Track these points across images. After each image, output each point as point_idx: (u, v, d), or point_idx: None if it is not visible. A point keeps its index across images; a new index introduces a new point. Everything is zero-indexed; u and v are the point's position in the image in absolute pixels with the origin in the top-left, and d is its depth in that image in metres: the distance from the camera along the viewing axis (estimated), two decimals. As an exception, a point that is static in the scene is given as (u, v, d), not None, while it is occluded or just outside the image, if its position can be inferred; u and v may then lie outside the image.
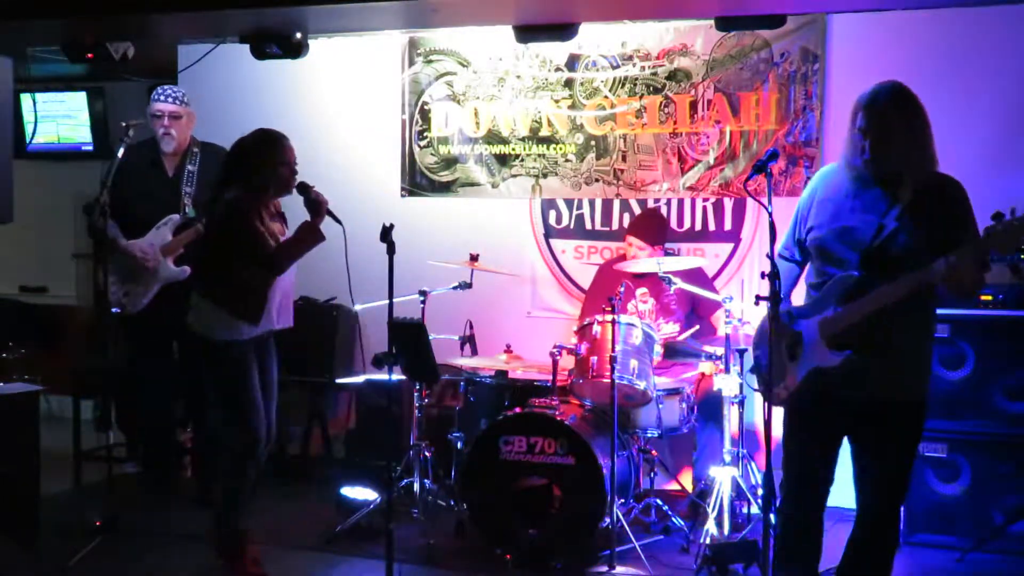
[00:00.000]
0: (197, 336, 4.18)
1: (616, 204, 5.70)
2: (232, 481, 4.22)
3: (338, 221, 4.06)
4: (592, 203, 5.76)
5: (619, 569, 4.19)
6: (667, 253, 5.26)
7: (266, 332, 4.24)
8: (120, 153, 4.75)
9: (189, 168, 5.07)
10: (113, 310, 4.99)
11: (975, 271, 3.06)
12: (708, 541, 4.28)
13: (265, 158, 4.12)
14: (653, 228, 5.24)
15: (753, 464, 4.83)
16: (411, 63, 6.03)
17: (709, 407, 4.89)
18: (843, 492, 5.23)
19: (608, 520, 4.24)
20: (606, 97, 5.63)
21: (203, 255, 4.33)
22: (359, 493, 4.76)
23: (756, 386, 3.65)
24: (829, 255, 3.28)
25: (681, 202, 5.57)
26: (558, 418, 4.37)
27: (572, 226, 5.81)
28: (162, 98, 5.05)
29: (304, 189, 4.16)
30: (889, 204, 3.19)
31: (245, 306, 4.08)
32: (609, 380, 4.30)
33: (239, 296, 4.08)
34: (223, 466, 4.29)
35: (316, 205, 4.10)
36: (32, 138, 7.10)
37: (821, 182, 3.40)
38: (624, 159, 5.63)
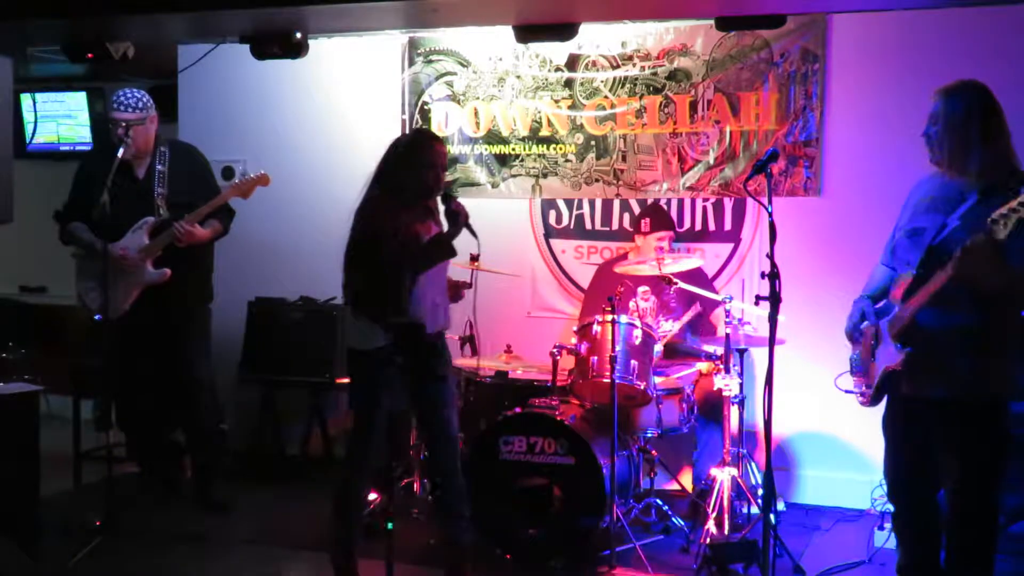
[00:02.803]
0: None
1: (616, 204, 5.70)
2: (337, 491, 4.07)
3: (474, 235, 3.91)
4: (592, 203, 5.76)
5: (619, 569, 4.19)
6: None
7: (430, 336, 3.95)
8: (120, 153, 4.74)
9: (159, 168, 5.01)
10: (96, 317, 4.96)
11: (991, 264, 2.98)
12: (708, 541, 4.27)
13: (407, 159, 3.90)
14: (667, 215, 5.32)
15: (753, 464, 4.83)
16: (411, 63, 6.03)
17: (709, 407, 4.89)
18: (845, 492, 5.27)
19: (608, 520, 4.24)
20: (606, 97, 5.63)
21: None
22: (359, 493, 4.74)
23: (851, 388, 3.56)
24: (899, 255, 3.31)
25: (681, 202, 5.57)
26: (558, 418, 4.37)
27: (572, 226, 5.81)
28: (114, 106, 4.92)
29: (446, 198, 3.93)
30: (959, 203, 3.18)
31: (382, 311, 3.77)
32: (609, 380, 4.30)
33: (376, 301, 3.81)
34: (336, 479, 4.08)
35: (454, 216, 3.86)
36: (32, 138, 7.11)
37: (916, 188, 3.41)
38: (624, 159, 5.63)
